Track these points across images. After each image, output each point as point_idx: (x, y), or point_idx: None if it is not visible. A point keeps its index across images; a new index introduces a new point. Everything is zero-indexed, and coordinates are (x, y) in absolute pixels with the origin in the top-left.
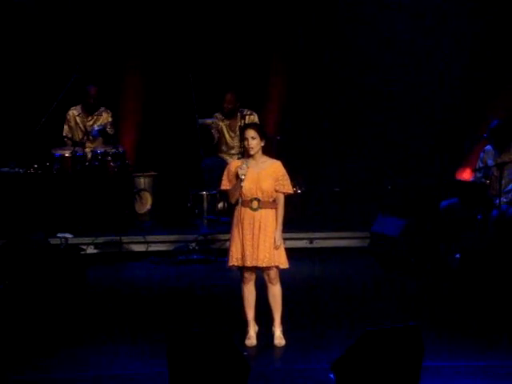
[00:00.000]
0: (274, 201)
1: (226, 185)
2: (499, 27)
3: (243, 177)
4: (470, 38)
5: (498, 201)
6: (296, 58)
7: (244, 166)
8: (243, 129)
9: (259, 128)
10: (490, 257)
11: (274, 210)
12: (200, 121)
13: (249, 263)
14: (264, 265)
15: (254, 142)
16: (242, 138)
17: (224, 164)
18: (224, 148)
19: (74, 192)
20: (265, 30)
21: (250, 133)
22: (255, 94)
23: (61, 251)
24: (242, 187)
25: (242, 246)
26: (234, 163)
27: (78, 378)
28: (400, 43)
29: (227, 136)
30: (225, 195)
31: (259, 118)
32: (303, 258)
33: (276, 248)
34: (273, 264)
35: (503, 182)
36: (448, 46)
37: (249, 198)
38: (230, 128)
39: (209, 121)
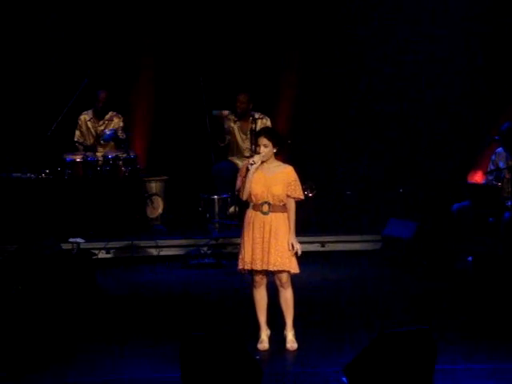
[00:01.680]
0: (285, 205)
1: (236, 185)
2: (509, 29)
3: (253, 163)
4: (481, 40)
5: (509, 203)
6: (308, 60)
7: (261, 153)
8: (257, 135)
9: (273, 135)
10: (502, 259)
11: (284, 214)
12: (215, 112)
13: (259, 267)
14: (275, 269)
15: (266, 150)
16: (255, 143)
17: (235, 168)
18: (235, 151)
19: (86, 197)
20: (275, 32)
21: (263, 140)
22: (266, 98)
23: (72, 256)
24: (254, 171)
25: (252, 249)
26: (244, 165)
27: (89, 382)
28: (413, 46)
29: (238, 138)
30: (237, 200)
31: (270, 121)
32: (315, 261)
33: (297, 253)
34: (284, 268)
35: None
36: (459, 48)
37: (260, 202)
38: (242, 130)
39: (226, 112)
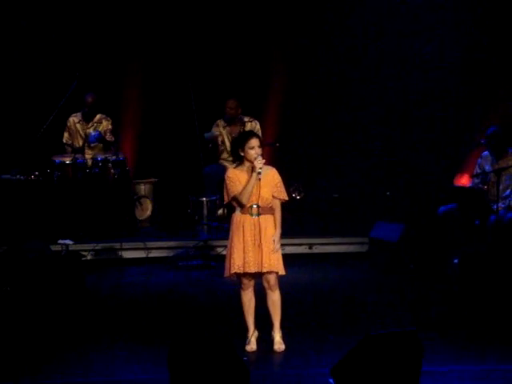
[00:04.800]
0: (271, 207)
1: (234, 192)
2: (495, 34)
3: (260, 170)
4: (465, 45)
5: (495, 206)
6: (296, 64)
7: (260, 158)
8: (246, 137)
9: (259, 137)
10: (488, 262)
11: (272, 216)
12: (208, 135)
13: (253, 269)
14: (268, 270)
15: (259, 151)
16: (242, 145)
17: (224, 170)
18: (225, 155)
19: (75, 199)
20: (264, 36)
21: (256, 142)
22: (254, 101)
23: (61, 258)
24: (259, 179)
25: (244, 252)
26: (231, 171)
27: (79, 383)
28: (400, 48)
29: (227, 143)
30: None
31: (259, 124)
32: (303, 263)
33: (275, 251)
34: (275, 270)
35: (501, 187)
36: (447, 51)
37: (249, 205)
38: (231, 134)
39: (216, 133)
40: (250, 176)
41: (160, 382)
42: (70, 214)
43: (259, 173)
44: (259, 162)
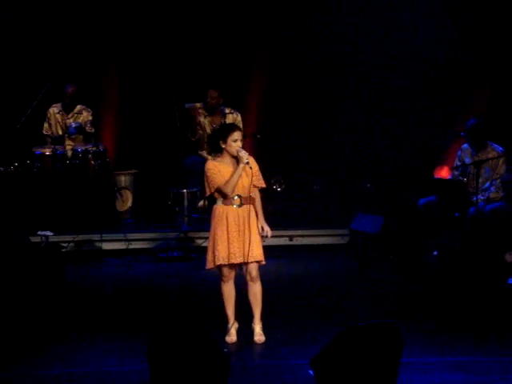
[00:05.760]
0: (252, 196)
1: (217, 183)
2: (474, 31)
3: (248, 160)
4: (446, 40)
5: (475, 198)
6: (277, 56)
7: (243, 151)
8: (230, 129)
9: (241, 129)
10: (467, 254)
11: (253, 206)
12: (188, 105)
13: (238, 260)
14: (255, 260)
15: (241, 143)
16: (224, 137)
17: (205, 162)
18: (205, 145)
19: (55, 190)
20: (245, 28)
21: (240, 135)
22: (236, 93)
23: (41, 249)
24: (250, 168)
25: (229, 244)
26: (211, 163)
27: (56, 375)
28: (379, 42)
29: (209, 132)
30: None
31: (240, 116)
32: (283, 255)
33: (268, 236)
34: (260, 259)
35: (480, 179)
36: (426, 43)
37: (231, 196)
38: (212, 125)
39: (198, 104)
40: (232, 167)
41: (140, 374)
42: (50, 206)
43: (247, 163)
44: (245, 153)
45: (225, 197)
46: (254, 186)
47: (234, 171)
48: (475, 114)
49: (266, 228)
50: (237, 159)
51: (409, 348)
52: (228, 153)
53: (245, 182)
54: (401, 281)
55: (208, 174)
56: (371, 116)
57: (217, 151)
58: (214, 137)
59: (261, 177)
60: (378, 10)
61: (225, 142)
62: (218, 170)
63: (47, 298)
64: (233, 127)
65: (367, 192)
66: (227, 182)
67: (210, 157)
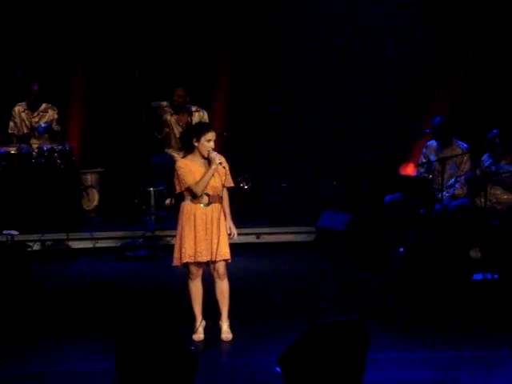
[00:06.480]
0: (220, 195)
1: (187, 182)
2: (440, 27)
3: (221, 161)
4: (412, 38)
5: (440, 195)
6: (243, 53)
7: (214, 153)
8: (204, 129)
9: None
10: (432, 250)
11: (221, 205)
12: (154, 103)
13: (205, 258)
14: (222, 258)
15: (213, 145)
16: (198, 136)
17: (172, 160)
18: (173, 143)
19: (20, 189)
20: (211, 25)
21: (214, 135)
22: (202, 90)
23: (7, 248)
24: (224, 168)
25: (196, 242)
26: (182, 161)
27: (26, 375)
28: (345, 37)
29: (176, 131)
30: (172, 192)
31: (207, 114)
32: (250, 253)
33: (235, 237)
34: (225, 257)
35: (445, 176)
36: (392, 39)
37: (199, 194)
38: (179, 123)
39: (164, 103)
40: (203, 167)
41: (107, 372)
42: (16, 205)
43: (220, 163)
44: (216, 155)
45: (193, 195)
46: (224, 186)
47: (205, 171)
48: (438, 111)
49: (234, 230)
50: (208, 159)
51: (377, 344)
52: (199, 152)
53: (215, 181)
54: (367, 277)
55: (179, 173)
56: (338, 113)
57: (188, 149)
58: (187, 134)
59: (229, 176)
60: (341, 7)
61: (198, 140)
62: (189, 168)
63: (13, 297)
64: (208, 127)
65: (333, 189)
66: (198, 182)
67: (178, 155)
